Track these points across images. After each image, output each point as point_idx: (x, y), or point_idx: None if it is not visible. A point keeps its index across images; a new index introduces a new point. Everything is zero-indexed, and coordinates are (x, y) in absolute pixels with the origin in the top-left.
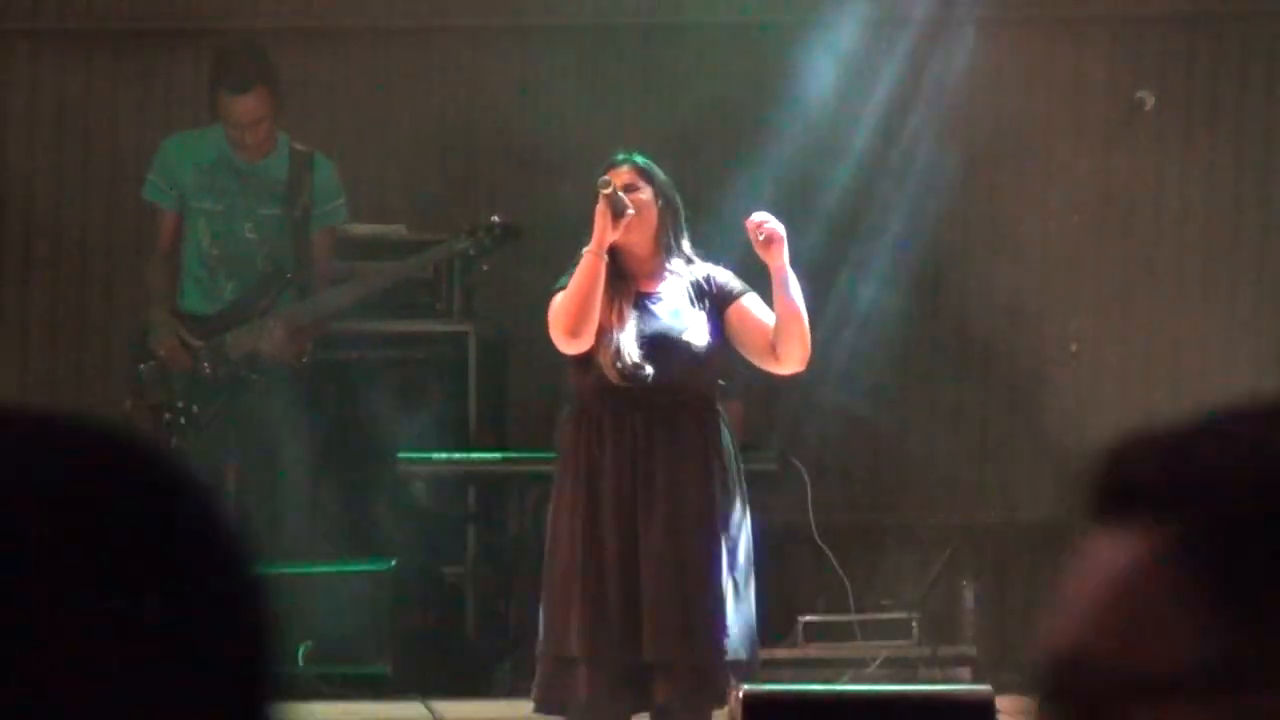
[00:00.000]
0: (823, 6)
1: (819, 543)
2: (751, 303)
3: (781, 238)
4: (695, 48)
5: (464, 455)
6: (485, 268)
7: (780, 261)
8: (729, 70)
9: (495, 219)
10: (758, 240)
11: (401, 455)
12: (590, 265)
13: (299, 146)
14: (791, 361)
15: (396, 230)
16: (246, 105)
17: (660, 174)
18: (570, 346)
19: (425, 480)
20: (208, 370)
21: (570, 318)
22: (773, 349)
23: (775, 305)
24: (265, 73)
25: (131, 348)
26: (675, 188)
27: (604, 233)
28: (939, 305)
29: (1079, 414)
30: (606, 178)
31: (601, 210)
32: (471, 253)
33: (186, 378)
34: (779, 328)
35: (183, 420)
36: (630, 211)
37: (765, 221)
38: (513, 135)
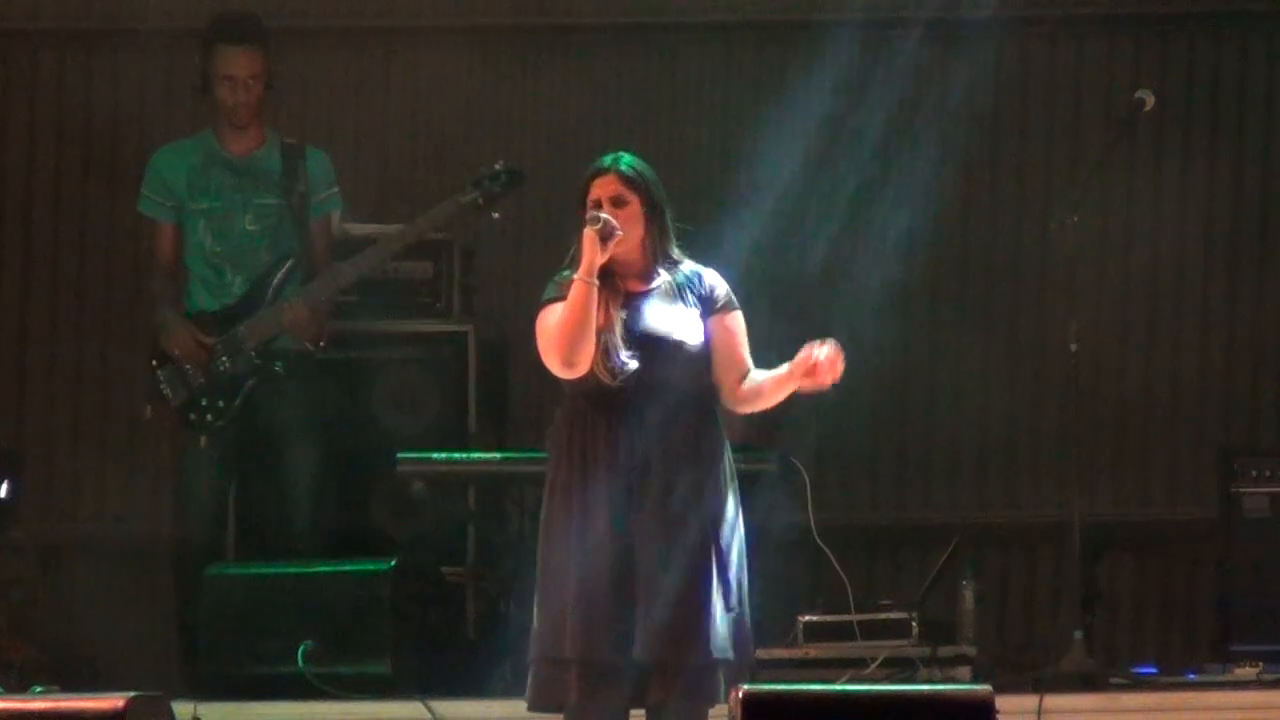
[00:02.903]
0: (821, 8)
1: (819, 543)
2: (734, 323)
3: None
4: (696, 48)
5: (464, 455)
6: (497, 215)
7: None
8: (729, 71)
9: (498, 165)
10: (811, 365)
11: (401, 455)
12: (581, 293)
13: (289, 140)
14: (744, 410)
15: (396, 230)
16: (243, 58)
17: (648, 174)
18: (566, 373)
19: (425, 480)
20: (226, 365)
21: (564, 347)
22: (738, 384)
23: (770, 385)
24: (261, 33)
25: (147, 352)
26: (662, 186)
27: (593, 260)
28: (938, 306)
29: (1079, 414)
30: (594, 213)
31: (590, 237)
32: (480, 202)
33: (204, 376)
34: (757, 394)
35: (209, 418)
36: (619, 234)
37: (833, 358)
38: (512, 135)
